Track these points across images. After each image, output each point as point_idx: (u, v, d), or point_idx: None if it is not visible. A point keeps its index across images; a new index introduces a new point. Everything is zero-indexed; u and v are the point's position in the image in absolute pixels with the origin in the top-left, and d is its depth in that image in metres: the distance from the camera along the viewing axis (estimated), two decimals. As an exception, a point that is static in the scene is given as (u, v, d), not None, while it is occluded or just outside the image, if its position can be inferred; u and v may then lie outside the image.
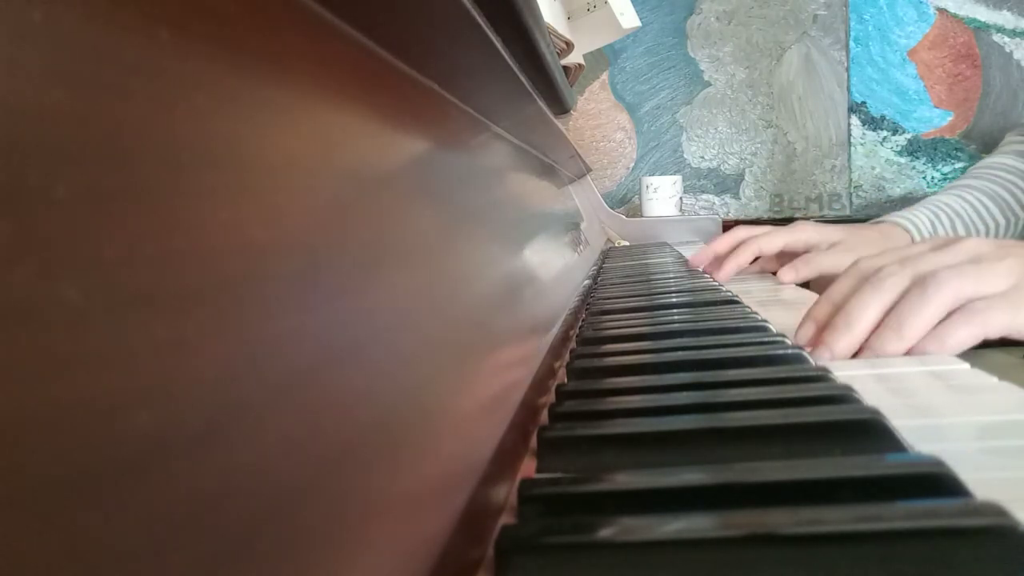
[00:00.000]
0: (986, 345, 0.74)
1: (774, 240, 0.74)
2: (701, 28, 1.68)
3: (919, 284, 0.40)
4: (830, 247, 0.78)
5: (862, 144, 1.66)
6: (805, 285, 0.75)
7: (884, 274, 0.41)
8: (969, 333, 0.39)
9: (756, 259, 0.81)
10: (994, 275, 0.40)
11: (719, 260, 0.78)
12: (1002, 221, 0.95)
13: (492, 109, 0.43)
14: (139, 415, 0.09)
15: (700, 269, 0.78)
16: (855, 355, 0.41)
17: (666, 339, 0.43)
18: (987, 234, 0.95)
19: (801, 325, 0.43)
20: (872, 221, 0.94)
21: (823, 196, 1.68)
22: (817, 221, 0.92)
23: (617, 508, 0.22)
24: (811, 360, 0.35)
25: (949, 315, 0.39)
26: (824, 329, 0.42)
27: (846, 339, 0.40)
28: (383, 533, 0.14)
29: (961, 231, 0.93)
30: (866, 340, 0.41)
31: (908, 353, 0.40)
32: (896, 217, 0.92)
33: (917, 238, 0.91)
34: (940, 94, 1.62)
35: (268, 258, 0.13)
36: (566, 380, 0.36)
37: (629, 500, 0.22)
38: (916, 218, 0.91)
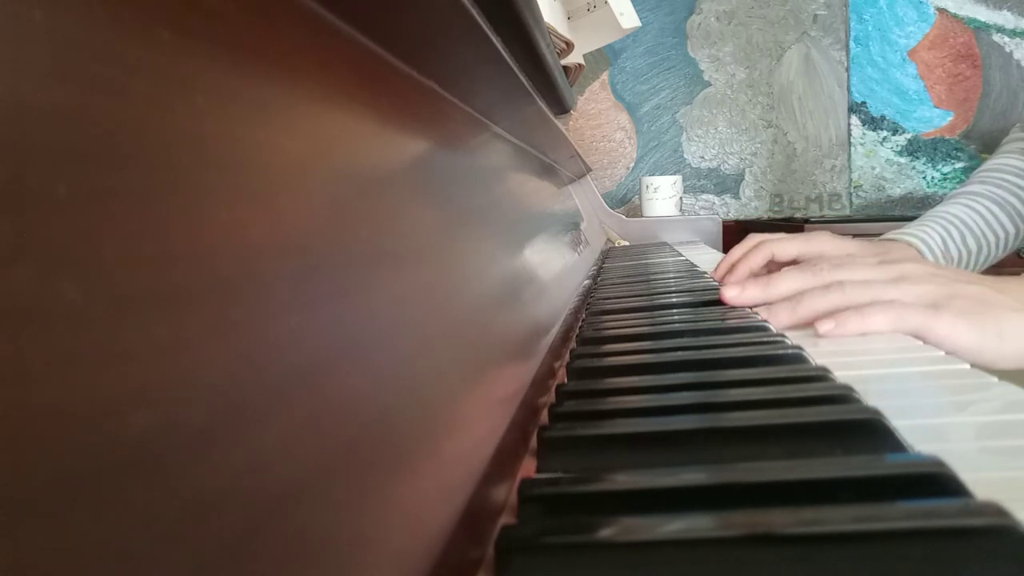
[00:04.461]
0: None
1: (787, 246, 0.73)
2: (701, 28, 1.68)
3: (827, 286, 0.50)
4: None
5: (862, 144, 1.66)
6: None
7: (817, 268, 0.52)
8: (886, 320, 0.47)
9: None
10: (911, 294, 0.49)
11: (734, 266, 0.76)
12: (1012, 229, 0.93)
13: (492, 109, 0.43)
14: (139, 415, 0.09)
15: (719, 281, 0.76)
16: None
17: (666, 339, 0.43)
18: (997, 244, 0.92)
19: (728, 282, 0.55)
20: (883, 236, 0.91)
21: (823, 196, 1.68)
22: (819, 222, 0.91)
23: (617, 508, 0.22)
24: (811, 360, 0.35)
25: (871, 305, 0.48)
26: (754, 281, 0.54)
27: (749, 292, 0.52)
28: (383, 533, 0.14)
29: (972, 244, 0.91)
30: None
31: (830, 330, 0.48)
32: (907, 236, 0.88)
33: (929, 256, 0.88)
34: (940, 94, 1.62)
35: (266, 258, 0.13)
36: (566, 380, 0.36)
37: (629, 500, 0.22)
38: (927, 235, 0.88)
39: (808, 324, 0.49)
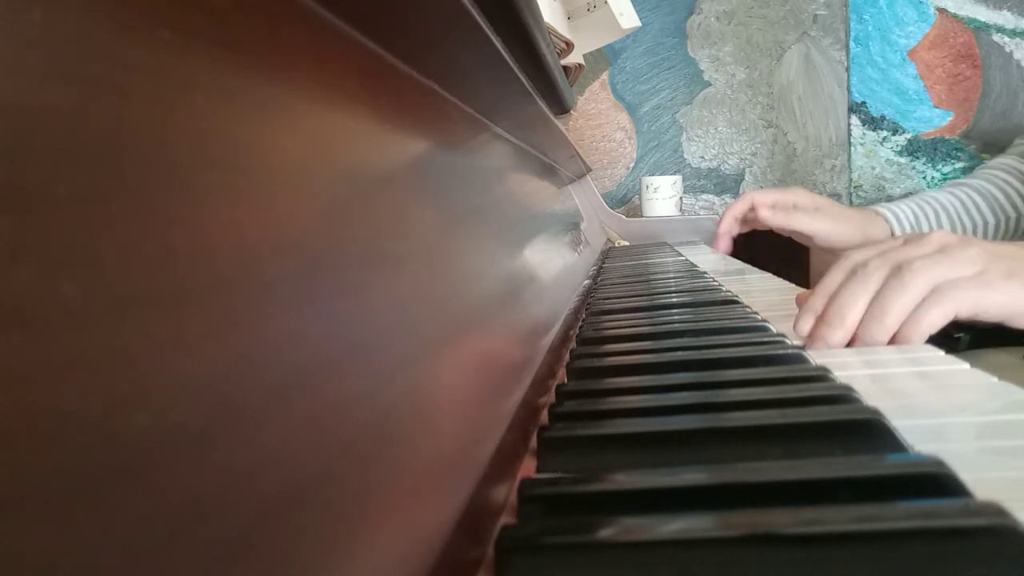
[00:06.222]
0: (986, 345, 0.75)
1: (767, 194, 0.93)
2: (701, 28, 1.68)
3: (896, 274, 0.43)
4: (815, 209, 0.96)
5: (862, 144, 1.66)
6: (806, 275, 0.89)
7: (869, 268, 0.44)
8: (941, 313, 0.42)
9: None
10: (962, 261, 0.43)
11: (723, 216, 0.95)
12: (991, 219, 0.95)
13: (492, 109, 0.43)
14: (139, 415, 0.09)
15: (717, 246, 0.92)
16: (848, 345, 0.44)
17: (666, 339, 0.42)
18: (974, 231, 0.95)
19: (800, 317, 0.46)
20: (860, 207, 1.00)
21: (823, 196, 1.68)
22: None
23: (617, 508, 0.22)
24: (811, 360, 0.35)
25: (923, 300, 0.43)
26: (820, 321, 0.45)
27: (840, 332, 0.43)
28: (383, 533, 0.14)
29: (946, 226, 0.95)
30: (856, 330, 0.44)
31: (891, 340, 0.43)
32: (881, 208, 0.95)
33: (897, 229, 0.94)
34: (940, 94, 1.62)
35: (267, 258, 0.13)
36: (566, 380, 0.36)
37: (629, 500, 0.22)
38: (900, 211, 0.94)
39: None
